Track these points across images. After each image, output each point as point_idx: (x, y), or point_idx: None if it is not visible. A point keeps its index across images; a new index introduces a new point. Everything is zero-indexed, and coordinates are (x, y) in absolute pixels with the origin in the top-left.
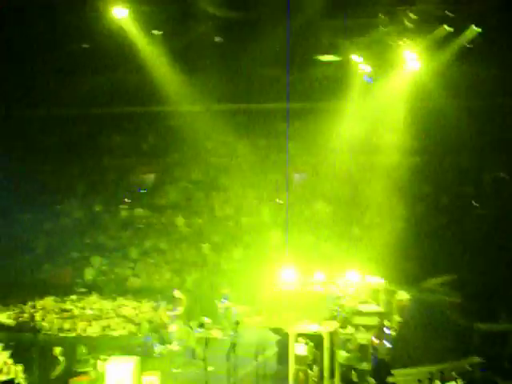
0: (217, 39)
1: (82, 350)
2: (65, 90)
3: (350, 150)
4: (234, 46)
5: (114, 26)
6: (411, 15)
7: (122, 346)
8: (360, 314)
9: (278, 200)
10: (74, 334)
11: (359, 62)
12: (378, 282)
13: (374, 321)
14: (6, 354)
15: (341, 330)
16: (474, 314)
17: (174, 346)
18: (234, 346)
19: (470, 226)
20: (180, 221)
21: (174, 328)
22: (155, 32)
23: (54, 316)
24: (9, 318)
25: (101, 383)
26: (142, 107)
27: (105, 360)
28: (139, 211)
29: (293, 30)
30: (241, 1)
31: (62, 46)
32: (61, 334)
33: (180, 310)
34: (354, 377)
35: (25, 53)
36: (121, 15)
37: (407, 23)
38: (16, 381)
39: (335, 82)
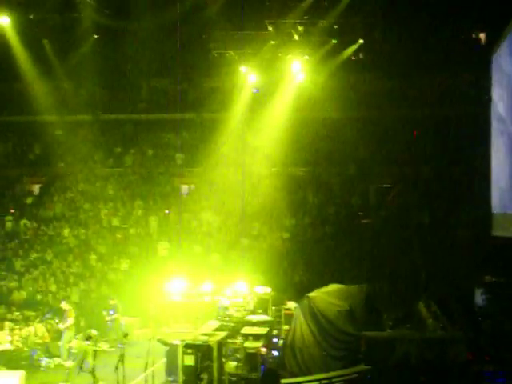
0: (105, 49)
1: None
2: None
3: (238, 161)
4: (123, 56)
5: None
6: (300, 28)
7: (7, 360)
8: (248, 323)
9: (166, 211)
10: None
11: (248, 74)
12: (266, 291)
13: (262, 330)
14: None
15: (229, 340)
16: (361, 322)
17: (62, 360)
18: (122, 357)
19: (355, 236)
20: (66, 232)
21: (61, 341)
22: (45, 41)
23: None
24: None
25: None
26: (26, 116)
27: None
28: (25, 222)
29: (182, 40)
30: (129, 11)
31: None
32: None
33: (67, 322)
34: None
35: None
36: (3, 22)
37: (296, 36)
38: None
39: (224, 94)
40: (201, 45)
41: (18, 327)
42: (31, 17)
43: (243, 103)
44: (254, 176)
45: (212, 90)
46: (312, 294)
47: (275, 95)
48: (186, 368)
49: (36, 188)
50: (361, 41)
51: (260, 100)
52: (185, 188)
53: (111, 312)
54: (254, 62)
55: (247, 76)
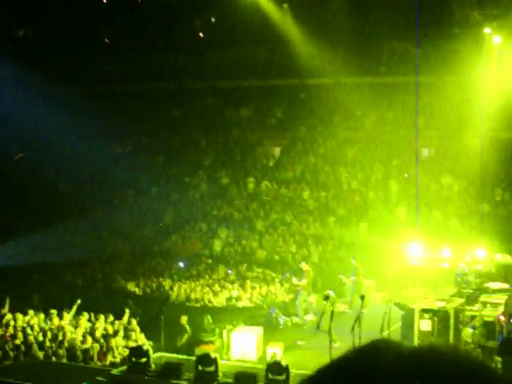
0: (345, 12)
1: (208, 319)
2: (193, 63)
3: (479, 125)
4: (361, 19)
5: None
6: None
7: (247, 317)
8: (487, 291)
9: (405, 174)
10: (200, 304)
11: (492, 35)
12: (507, 258)
13: (501, 298)
14: (134, 321)
15: (467, 307)
16: None
17: (299, 319)
18: (358, 319)
19: None
20: (306, 194)
21: (297, 300)
22: (285, 6)
23: (181, 285)
24: (137, 286)
25: (226, 352)
26: (269, 80)
27: (230, 330)
28: (266, 184)
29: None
30: None
31: (190, 19)
32: (187, 304)
33: (306, 282)
34: (480, 354)
35: (154, 27)
36: None
37: None
38: (144, 348)
39: (466, 56)
40: (444, 5)
41: (258, 285)
42: None
43: (486, 66)
44: (496, 140)
45: (454, 52)
46: None
47: None
48: (421, 333)
49: (277, 151)
50: None
51: (504, 63)
52: (425, 151)
53: (349, 274)
54: (499, 23)
55: (491, 38)
